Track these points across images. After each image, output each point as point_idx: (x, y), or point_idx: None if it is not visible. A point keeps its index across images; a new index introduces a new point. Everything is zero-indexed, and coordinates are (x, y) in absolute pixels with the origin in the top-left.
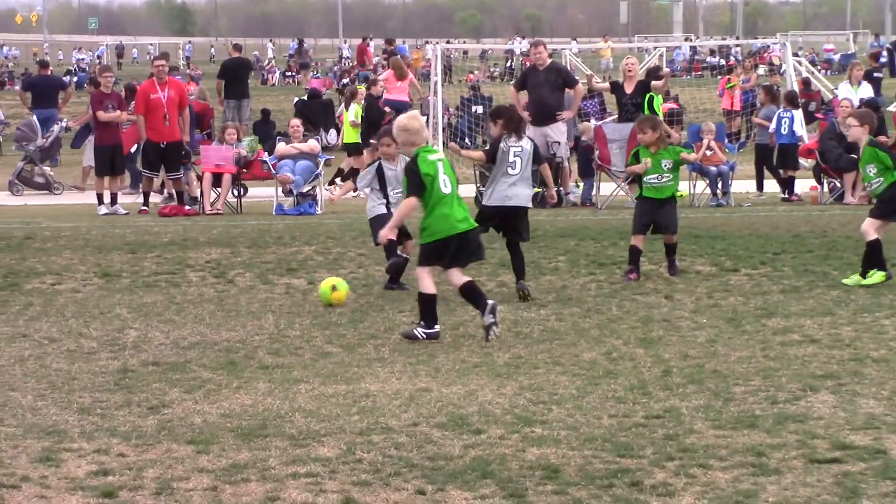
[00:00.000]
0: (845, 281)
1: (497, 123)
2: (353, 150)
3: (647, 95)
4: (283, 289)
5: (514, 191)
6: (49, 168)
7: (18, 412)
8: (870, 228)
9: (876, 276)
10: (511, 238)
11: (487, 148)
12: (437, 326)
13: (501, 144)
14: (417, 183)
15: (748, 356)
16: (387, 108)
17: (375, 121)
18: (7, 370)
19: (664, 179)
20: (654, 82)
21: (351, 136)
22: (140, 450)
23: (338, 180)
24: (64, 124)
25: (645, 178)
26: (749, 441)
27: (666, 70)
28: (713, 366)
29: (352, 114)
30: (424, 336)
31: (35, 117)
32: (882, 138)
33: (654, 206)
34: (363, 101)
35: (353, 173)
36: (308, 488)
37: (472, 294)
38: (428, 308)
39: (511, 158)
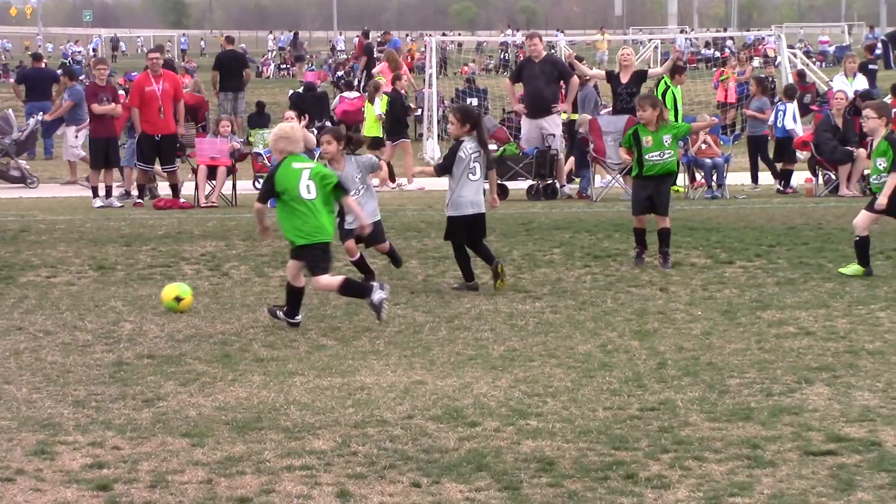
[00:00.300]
0: (842, 270)
1: (464, 126)
2: (374, 143)
3: (664, 89)
4: (278, 282)
5: (478, 197)
6: (25, 162)
7: (13, 405)
8: None
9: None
10: (475, 241)
11: (441, 162)
12: (298, 317)
13: (460, 152)
14: (266, 190)
15: (743, 348)
16: (411, 105)
17: (399, 116)
18: (2, 363)
19: (666, 156)
20: (650, 70)
21: (373, 129)
22: (135, 443)
23: None
24: (40, 118)
25: (647, 157)
26: (744, 433)
27: (676, 48)
28: (708, 358)
29: (377, 107)
30: (288, 321)
31: (10, 111)
32: None
33: (652, 183)
34: (388, 95)
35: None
36: (303, 481)
37: (290, 298)
38: (293, 299)
39: (472, 164)
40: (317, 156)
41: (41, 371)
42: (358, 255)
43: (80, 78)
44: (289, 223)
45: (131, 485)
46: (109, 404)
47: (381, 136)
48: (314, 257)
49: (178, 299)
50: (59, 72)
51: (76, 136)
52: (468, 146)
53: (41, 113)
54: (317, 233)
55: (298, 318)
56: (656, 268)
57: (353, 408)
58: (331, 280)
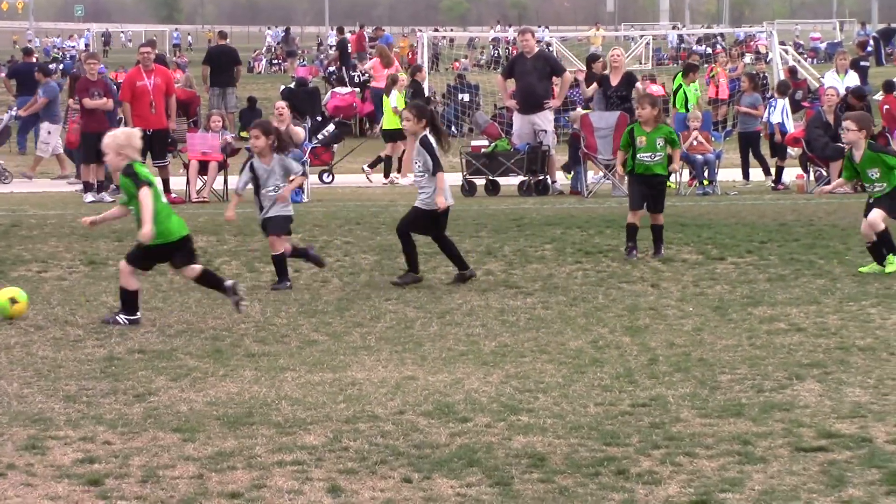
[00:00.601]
0: (862, 269)
1: (421, 121)
2: (393, 136)
3: (677, 87)
4: (270, 277)
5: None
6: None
7: (4, 400)
8: (878, 219)
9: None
10: (442, 232)
11: (436, 162)
12: (138, 314)
13: (433, 146)
14: (145, 182)
15: (734, 344)
16: (431, 97)
17: None
18: None
19: (657, 158)
20: (638, 84)
21: (392, 122)
22: (126, 437)
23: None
24: (13, 113)
25: (639, 156)
26: (735, 429)
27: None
28: (699, 354)
29: (393, 100)
30: (127, 322)
31: None
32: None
33: (647, 182)
34: (409, 88)
35: (387, 160)
36: (294, 476)
37: (211, 280)
38: (130, 300)
39: (438, 156)
40: (308, 150)
41: (32, 366)
42: (282, 250)
43: (73, 72)
44: (160, 222)
45: (122, 479)
46: (100, 399)
47: (400, 128)
48: (163, 254)
49: (12, 301)
50: (59, 67)
51: (49, 133)
52: (433, 140)
53: (14, 108)
54: (167, 234)
55: (137, 314)
56: (647, 264)
57: (344, 403)
58: (129, 277)
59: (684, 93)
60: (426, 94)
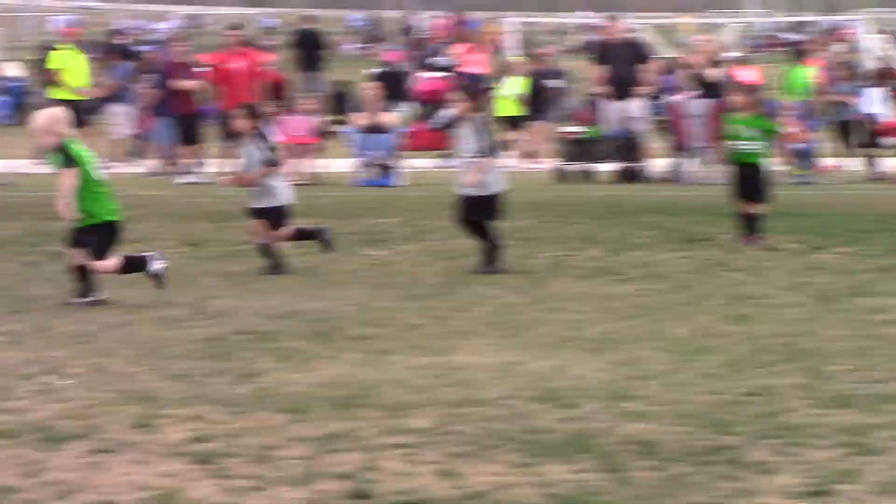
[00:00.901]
0: None
1: (473, 102)
2: (508, 123)
3: (788, 71)
4: (368, 260)
5: None
6: None
7: (111, 379)
8: None
9: None
10: (491, 220)
11: (488, 145)
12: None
13: (489, 127)
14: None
15: (841, 335)
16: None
17: (537, 95)
18: (98, 337)
19: (752, 145)
20: (707, 71)
21: (507, 109)
22: (235, 417)
23: None
24: None
25: (734, 143)
26: (847, 420)
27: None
28: (806, 344)
29: (512, 87)
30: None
31: None
32: None
33: (744, 172)
34: (531, 76)
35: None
36: (405, 458)
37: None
38: (132, 265)
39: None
40: (396, 136)
41: (137, 345)
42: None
43: (145, 55)
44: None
45: (234, 458)
46: (207, 379)
47: (517, 115)
48: (102, 238)
49: None
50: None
51: (119, 115)
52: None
53: None
54: (112, 212)
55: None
56: (748, 252)
57: (450, 387)
58: (100, 265)
59: (799, 75)
60: (543, 82)
